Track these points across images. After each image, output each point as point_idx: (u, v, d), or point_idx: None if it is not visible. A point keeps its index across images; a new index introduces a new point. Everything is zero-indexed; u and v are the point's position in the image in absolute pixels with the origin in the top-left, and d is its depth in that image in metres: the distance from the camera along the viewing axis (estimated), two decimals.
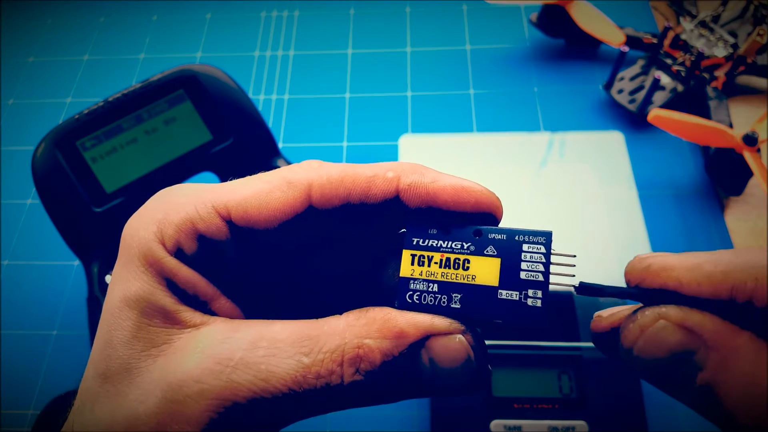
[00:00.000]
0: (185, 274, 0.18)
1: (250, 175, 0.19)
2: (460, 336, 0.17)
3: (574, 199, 0.51)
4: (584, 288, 0.18)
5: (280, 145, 0.56)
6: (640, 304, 0.17)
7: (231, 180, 0.19)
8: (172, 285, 0.18)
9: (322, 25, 0.66)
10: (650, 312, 0.16)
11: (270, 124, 0.58)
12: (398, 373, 0.17)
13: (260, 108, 0.59)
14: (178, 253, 0.18)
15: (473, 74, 0.60)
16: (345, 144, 0.56)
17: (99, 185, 0.40)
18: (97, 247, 0.41)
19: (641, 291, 0.17)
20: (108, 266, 0.40)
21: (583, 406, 0.38)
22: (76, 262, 0.50)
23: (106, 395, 0.17)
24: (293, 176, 0.18)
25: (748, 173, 0.47)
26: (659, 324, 0.16)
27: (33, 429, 0.23)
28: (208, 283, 0.18)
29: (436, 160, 0.55)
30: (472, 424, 0.38)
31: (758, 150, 0.46)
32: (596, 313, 0.19)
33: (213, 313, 0.18)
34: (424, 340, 0.17)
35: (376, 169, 0.18)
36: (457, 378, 0.17)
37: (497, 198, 0.18)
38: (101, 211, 0.40)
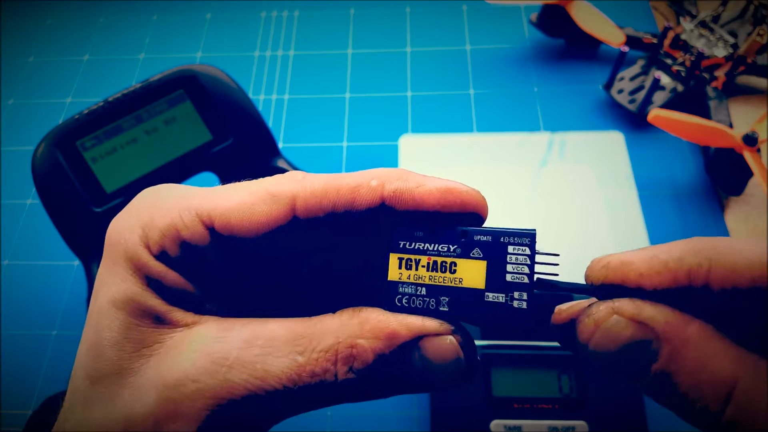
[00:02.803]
0: (172, 277, 0.18)
1: (251, 175, 0.19)
2: (450, 337, 0.17)
3: (574, 200, 0.51)
4: (540, 283, 0.18)
5: (280, 145, 0.56)
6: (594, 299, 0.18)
7: (224, 184, 0.19)
8: (159, 287, 0.18)
9: (322, 25, 0.66)
10: (604, 307, 0.17)
11: (270, 124, 0.58)
12: (389, 371, 0.17)
13: (260, 108, 0.59)
14: (163, 257, 0.18)
15: (473, 74, 0.60)
16: (345, 144, 0.56)
17: (99, 185, 0.40)
18: (97, 247, 0.40)
19: (595, 286, 0.18)
20: None
21: (583, 406, 0.38)
22: (76, 262, 0.50)
23: (99, 398, 0.17)
24: (277, 189, 0.18)
25: (748, 173, 0.47)
26: (613, 319, 0.16)
27: (25, 428, 0.22)
28: (194, 287, 0.18)
29: (436, 160, 0.55)
30: (472, 424, 0.38)
31: (758, 150, 0.46)
32: (557, 307, 0.19)
33: (203, 313, 0.18)
34: (416, 340, 0.17)
35: (359, 178, 0.18)
36: (446, 375, 0.17)
37: (483, 197, 0.18)
38: (101, 211, 0.40)
